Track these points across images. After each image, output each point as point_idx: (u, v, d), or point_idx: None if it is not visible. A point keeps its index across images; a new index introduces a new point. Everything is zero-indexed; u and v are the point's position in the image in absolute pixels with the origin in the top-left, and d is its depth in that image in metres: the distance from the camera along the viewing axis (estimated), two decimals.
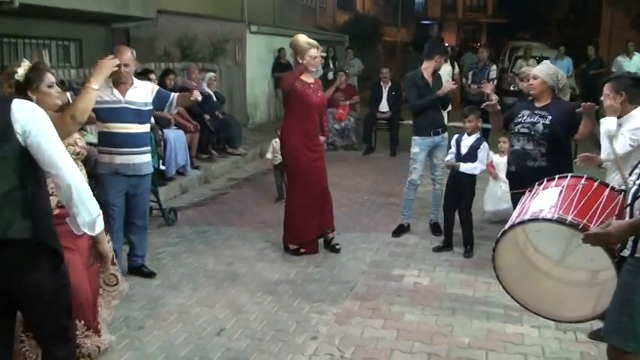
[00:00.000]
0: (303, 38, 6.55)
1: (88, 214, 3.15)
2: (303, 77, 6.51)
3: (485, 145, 6.63)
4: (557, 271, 4.16)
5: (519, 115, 5.67)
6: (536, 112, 5.56)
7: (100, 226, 3.23)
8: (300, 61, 6.45)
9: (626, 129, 4.57)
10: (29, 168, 3.06)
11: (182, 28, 14.05)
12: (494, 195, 7.54)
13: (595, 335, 4.68)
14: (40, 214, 3.10)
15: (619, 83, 4.64)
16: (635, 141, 4.51)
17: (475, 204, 6.80)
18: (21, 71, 3.58)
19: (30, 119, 3.04)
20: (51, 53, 11.13)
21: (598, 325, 4.57)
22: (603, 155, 4.70)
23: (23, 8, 9.02)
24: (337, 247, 6.79)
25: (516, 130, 5.65)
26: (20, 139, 3.00)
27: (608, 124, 4.62)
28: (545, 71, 5.60)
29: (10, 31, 9.75)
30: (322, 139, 6.98)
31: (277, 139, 8.54)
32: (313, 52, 6.46)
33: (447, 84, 7.33)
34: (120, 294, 4.62)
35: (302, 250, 6.66)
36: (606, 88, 4.65)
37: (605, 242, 3.17)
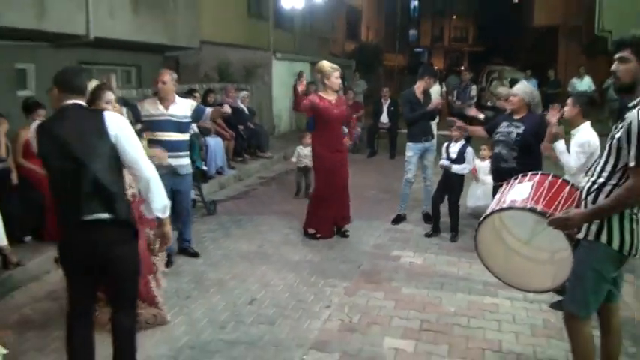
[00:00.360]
0: (328, 63, 6.56)
1: (161, 201, 3.30)
2: (325, 95, 6.50)
3: (470, 149, 6.64)
4: (525, 250, 4.16)
5: (500, 126, 5.67)
6: (513, 123, 5.56)
7: (168, 211, 3.35)
8: (327, 82, 6.46)
9: (575, 143, 4.68)
10: (119, 162, 3.18)
11: (220, 55, 14.05)
12: (475, 194, 7.45)
13: (554, 305, 4.74)
14: (125, 198, 3.23)
15: (578, 98, 4.81)
16: (584, 152, 4.61)
17: (460, 200, 6.77)
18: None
19: (117, 127, 3.16)
20: (117, 76, 11.20)
21: (557, 297, 4.59)
22: (565, 169, 4.78)
23: (97, 41, 9.16)
24: (347, 233, 6.77)
25: (496, 138, 5.67)
26: (112, 141, 3.12)
27: (559, 146, 4.81)
28: (522, 89, 5.65)
29: (86, 58, 9.87)
30: (347, 141, 7.05)
31: (302, 146, 8.55)
32: (337, 74, 6.47)
33: (435, 100, 7.30)
34: (159, 287, 4.48)
35: (318, 235, 6.66)
36: (569, 100, 4.81)
37: (565, 226, 3.18)
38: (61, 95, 3.22)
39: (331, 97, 6.53)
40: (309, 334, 4.33)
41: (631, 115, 2.91)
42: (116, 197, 3.10)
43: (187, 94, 8.73)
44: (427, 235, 6.74)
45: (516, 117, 5.58)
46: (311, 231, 6.72)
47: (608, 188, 3.06)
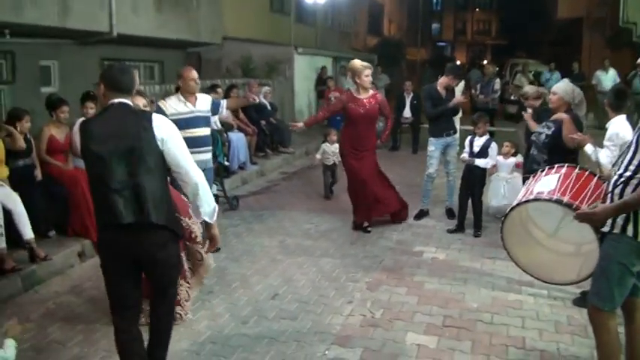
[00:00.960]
0: (359, 62, 6.57)
1: (209, 205, 3.23)
2: (357, 95, 6.53)
3: (494, 144, 6.56)
4: (550, 242, 4.13)
5: (539, 125, 5.45)
6: (547, 123, 5.28)
7: (216, 214, 3.28)
8: (357, 81, 6.47)
9: (606, 137, 4.62)
10: (164, 167, 3.11)
11: (243, 51, 14.07)
12: (498, 192, 7.12)
13: (578, 302, 4.66)
14: (170, 205, 3.17)
15: (609, 92, 4.86)
16: (614, 146, 4.55)
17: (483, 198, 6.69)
18: None
19: (164, 131, 3.07)
20: (140, 72, 11.30)
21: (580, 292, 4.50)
22: (602, 169, 4.65)
23: (120, 38, 9.26)
24: (368, 229, 6.71)
25: (531, 139, 5.46)
26: (160, 145, 3.04)
27: (588, 150, 4.76)
28: (562, 88, 5.26)
29: (109, 55, 10.00)
30: (379, 143, 7.03)
31: (328, 144, 8.46)
32: (367, 72, 6.43)
33: (457, 97, 7.18)
34: (208, 267, 4.55)
35: (353, 219, 6.81)
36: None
37: (591, 220, 3.14)
38: (108, 93, 3.12)
39: (363, 95, 6.52)
40: (332, 329, 4.30)
41: None
42: (156, 201, 3.00)
43: (210, 89, 8.76)
44: (450, 232, 6.66)
45: (553, 117, 5.38)
46: (354, 218, 6.84)
47: (635, 182, 3.01)
